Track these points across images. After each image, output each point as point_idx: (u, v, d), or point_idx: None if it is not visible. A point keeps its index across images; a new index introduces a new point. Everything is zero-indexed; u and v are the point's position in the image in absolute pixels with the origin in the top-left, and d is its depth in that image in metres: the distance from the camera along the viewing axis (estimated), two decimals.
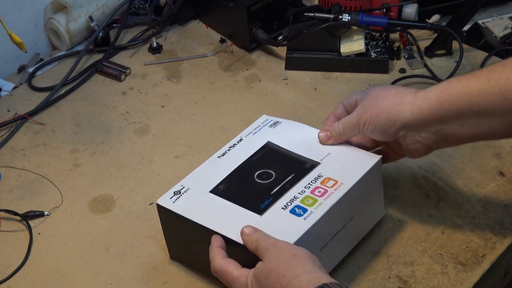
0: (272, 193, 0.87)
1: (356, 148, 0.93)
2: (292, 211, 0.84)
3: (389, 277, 0.88)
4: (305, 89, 1.21)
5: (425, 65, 1.24)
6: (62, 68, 1.30)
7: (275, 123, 0.98)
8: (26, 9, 1.31)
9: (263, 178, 0.90)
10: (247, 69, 1.27)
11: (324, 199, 0.85)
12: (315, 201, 0.85)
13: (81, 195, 1.04)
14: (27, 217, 1.00)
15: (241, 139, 0.96)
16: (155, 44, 1.33)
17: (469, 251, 0.91)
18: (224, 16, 1.33)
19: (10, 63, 1.31)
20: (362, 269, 0.89)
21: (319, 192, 0.86)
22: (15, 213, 1.00)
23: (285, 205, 0.85)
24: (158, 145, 1.12)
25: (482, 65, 1.23)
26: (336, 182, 0.87)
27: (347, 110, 0.93)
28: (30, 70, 1.30)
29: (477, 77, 0.81)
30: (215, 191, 0.88)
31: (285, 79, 1.24)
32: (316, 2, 1.38)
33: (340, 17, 1.21)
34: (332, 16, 1.22)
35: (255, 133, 0.97)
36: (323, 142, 0.93)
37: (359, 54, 1.23)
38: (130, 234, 0.97)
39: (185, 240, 0.89)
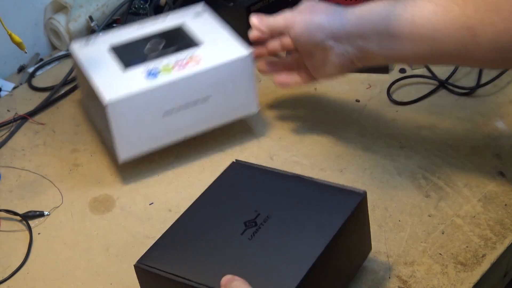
0: (147, 57, 1.00)
1: (238, 38, 1.04)
2: (147, 74, 0.94)
3: (389, 277, 0.88)
4: (305, 89, 1.21)
5: (425, 65, 1.24)
6: (62, 68, 1.30)
7: (199, 13, 1.12)
8: (26, 9, 1.31)
9: (153, 44, 1.03)
10: None
11: (177, 71, 0.95)
12: (169, 70, 0.96)
13: (81, 195, 1.04)
14: (27, 217, 1.00)
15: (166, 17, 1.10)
16: None
17: (469, 251, 0.91)
18: (224, 16, 1.32)
19: (10, 63, 1.31)
20: (362, 269, 0.88)
21: (179, 65, 0.95)
22: (15, 213, 1.00)
23: (149, 69, 0.96)
24: None
25: None
26: (199, 61, 0.97)
27: None
28: (30, 70, 1.30)
29: (397, 1, 0.88)
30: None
31: None
32: None
33: None
34: None
35: (177, 15, 1.11)
36: (253, 24, 1.02)
37: None
38: (130, 234, 0.97)
39: None
